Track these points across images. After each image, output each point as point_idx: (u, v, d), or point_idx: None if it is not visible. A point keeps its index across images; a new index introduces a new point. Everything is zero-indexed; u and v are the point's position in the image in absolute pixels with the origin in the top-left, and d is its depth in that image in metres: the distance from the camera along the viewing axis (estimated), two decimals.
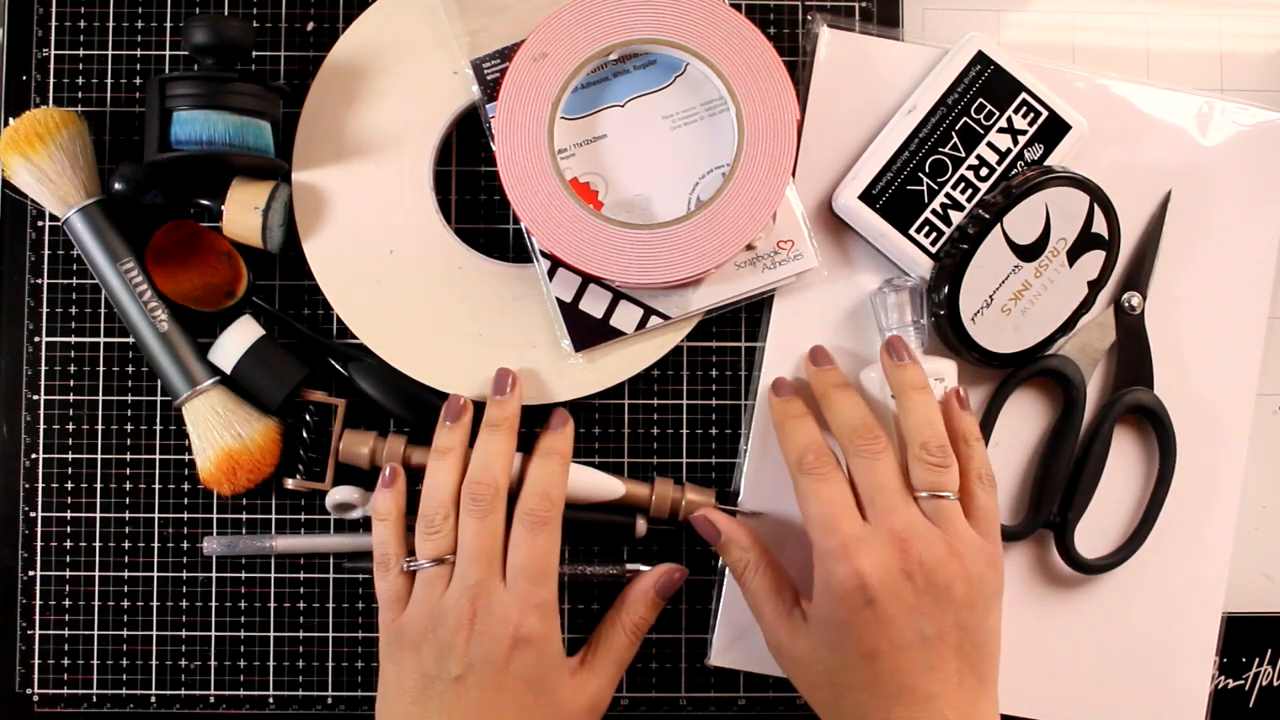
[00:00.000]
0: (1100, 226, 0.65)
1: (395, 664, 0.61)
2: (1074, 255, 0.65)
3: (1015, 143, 0.66)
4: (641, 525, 0.67)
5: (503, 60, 0.66)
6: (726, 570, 0.67)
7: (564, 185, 0.63)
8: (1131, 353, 0.67)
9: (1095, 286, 0.65)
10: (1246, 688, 0.68)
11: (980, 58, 0.66)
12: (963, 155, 0.65)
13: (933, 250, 0.65)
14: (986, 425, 0.66)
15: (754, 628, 0.64)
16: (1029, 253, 0.64)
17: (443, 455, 0.63)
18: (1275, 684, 0.68)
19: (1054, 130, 0.66)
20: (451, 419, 0.64)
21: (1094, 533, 0.67)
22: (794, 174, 0.67)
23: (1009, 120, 0.66)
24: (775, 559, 0.63)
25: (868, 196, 0.65)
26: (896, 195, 0.65)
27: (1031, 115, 0.66)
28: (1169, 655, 0.67)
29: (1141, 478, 0.68)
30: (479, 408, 0.65)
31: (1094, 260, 0.65)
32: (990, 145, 0.65)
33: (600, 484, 0.66)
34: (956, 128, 0.65)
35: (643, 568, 0.67)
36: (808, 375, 0.66)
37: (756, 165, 0.63)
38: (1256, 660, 0.68)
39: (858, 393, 0.63)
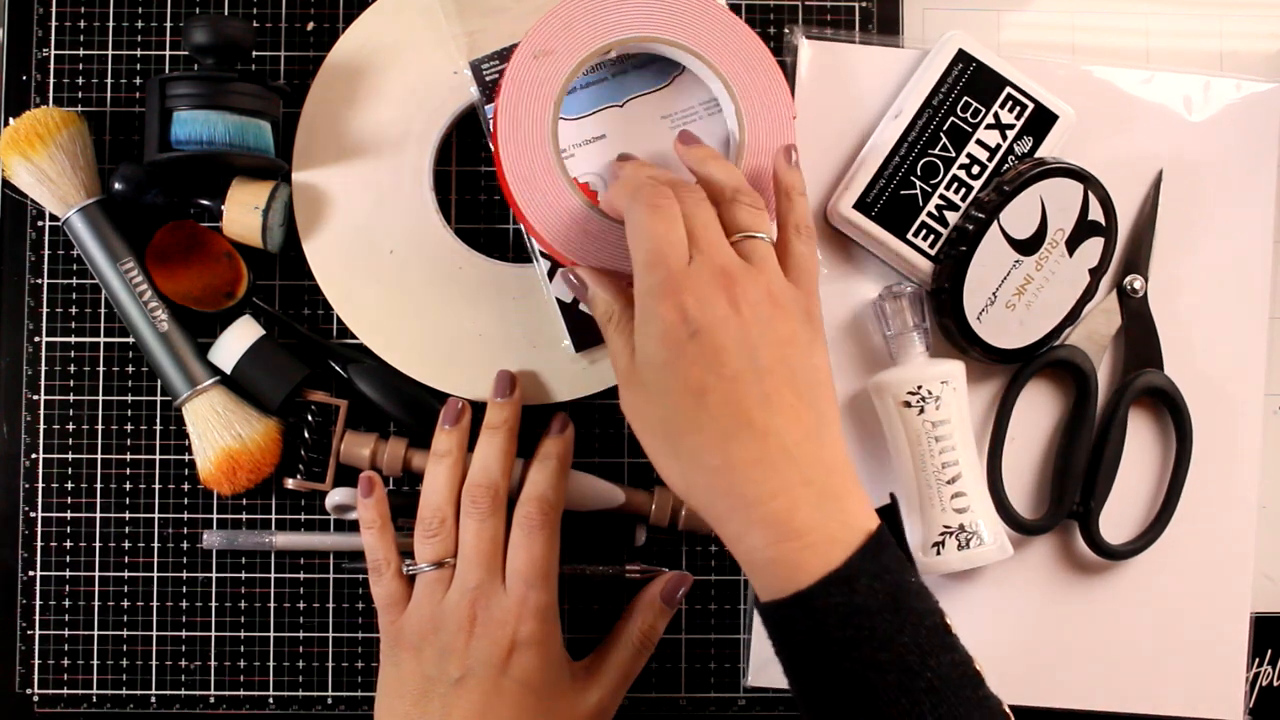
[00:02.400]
0: (1096, 213, 0.65)
1: (395, 665, 0.61)
2: (1073, 245, 0.65)
3: (1004, 138, 0.66)
4: (641, 534, 0.67)
5: (501, 61, 0.66)
6: None
7: (569, 182, 0.63)
8: (1138, 336, 0.67)
9: (1097, 274, 0.65)
10: (1248, 688, 0.68)
11: (961, 56, 0.66)
12: (953, 155, 0.65)
13: (932, 253, 0.65)
14: (1001, 421, 0.67)
15: None
16: (1028, 246, 0.64)
17: (440, 459, 0.63)
18: (1275, 684, 0.68)
19: (1041, 121, 0.66)
20: (450, 422, 0.64)
21: (1118, 518, 0.67)
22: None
23: (996, 116, 0.65)
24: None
25: (862, 205, 0.65)
26: (891, 201, 0.65)
27: (1018, 109, 0.66)
28: (1202, 637, 0.67)
29: (1160, 459, 0.68)
30: (479, 411, 0.65)
31: (1093, 247, 0.65)
32: (979, 143, 0.65)
33: (600, 491, 0.66)
34: (944, 128, 0.65)
35: (643, 566, 0.67)
36: (677, 154, 0.62)
37: (758, 161, 0.63)
38: (1257, 660, 0.68)
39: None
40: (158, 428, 0.68)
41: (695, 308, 0.53)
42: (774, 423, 0.52)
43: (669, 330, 0.53)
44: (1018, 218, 0.64)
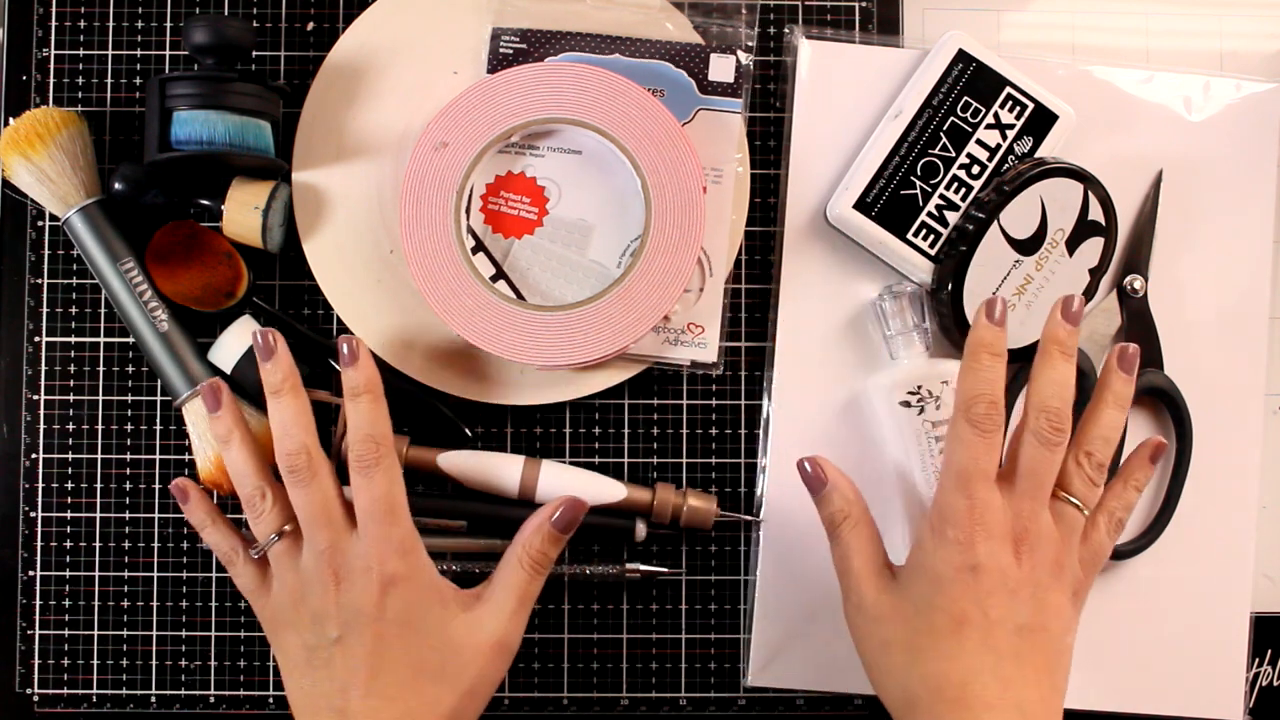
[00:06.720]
0: (1096, 213, 0.65)
1: (279, 647, 0.59)
2: (1073, 244, 0.65)
3: (1004, 138, 0.66)
4: (641, 529, 0.66)
5: (521, 39, 0.66)
6: (758, 588, 0.67)
7: (475, 273, 0.63)
8: (1138, 336, 0.67)
9: (1097, 274, 0.65)
10: (1248, 688, 0.68)
11: (961, 56, 0.66)
12: (953, 155, 0.65)
13: (932, 253, 0.65)
14: None
15: (789, 645, 0.65)
16: (1028, 246, 0.64)
17: (226, 442, 0.61)
18: (1275, 684, 0.68)
19: (1041, 121, 0.66)
20: (213, 407, 0.61)
21: None
22: (786, 191, 0.67)
23: (996, 116, 0.66)
24: (872, 518, 0.60)
25: (862, 205, 0.65)
26: (890, 201, 0.65)
27: (1018, 109, 0.66)
28: (1202, 637, 0.67)
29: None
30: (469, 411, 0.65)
31: (1093, 248, 0.65)
32: (979, 143, 0.65)
33: (601, 487, 0.66)
34: (944, 128, 0.65)
35: (643, 567, 0.67)
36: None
37: (666, 238, 0.63)
38: (1257, 660, 0.68)
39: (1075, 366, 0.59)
40: (158, 428, 0.68)
41: (982, 544, 0.56)
42: (1016, 676, 0.55)
43: (953, 555, 0.56)
44: (1018, 218, 0.64)
